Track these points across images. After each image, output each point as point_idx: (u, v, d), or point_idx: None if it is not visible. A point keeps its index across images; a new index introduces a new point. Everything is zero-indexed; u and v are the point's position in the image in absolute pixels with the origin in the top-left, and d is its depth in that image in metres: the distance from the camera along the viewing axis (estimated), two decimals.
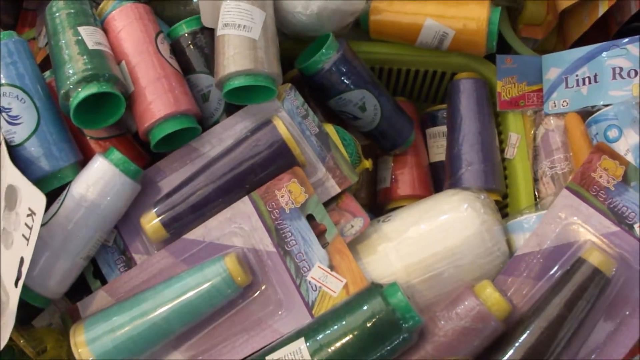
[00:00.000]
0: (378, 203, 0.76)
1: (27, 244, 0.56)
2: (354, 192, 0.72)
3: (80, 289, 0.66)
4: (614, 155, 0.62)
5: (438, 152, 0.76)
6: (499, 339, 0.59)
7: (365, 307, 0.55)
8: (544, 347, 0.58)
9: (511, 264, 0.62)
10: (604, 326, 0.60)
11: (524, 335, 0.58)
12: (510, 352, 0.57)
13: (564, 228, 0.62)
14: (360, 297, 0.56)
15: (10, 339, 0.59)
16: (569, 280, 0.59)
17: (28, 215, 0.57)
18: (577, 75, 0.71)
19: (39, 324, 0.68)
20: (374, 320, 0.55)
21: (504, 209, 0.72)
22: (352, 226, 0.61)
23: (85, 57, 0.62)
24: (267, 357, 0.57)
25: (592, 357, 0.60)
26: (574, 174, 0.63)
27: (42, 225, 0.61)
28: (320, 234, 0.61)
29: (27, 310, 0.64)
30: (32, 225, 0.57)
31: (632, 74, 0.68)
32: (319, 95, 0.70)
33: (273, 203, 0.61)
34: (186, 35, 0.67)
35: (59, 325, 0.67)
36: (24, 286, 0.59)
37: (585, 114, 0.70)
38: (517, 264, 0.62)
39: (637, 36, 0.68)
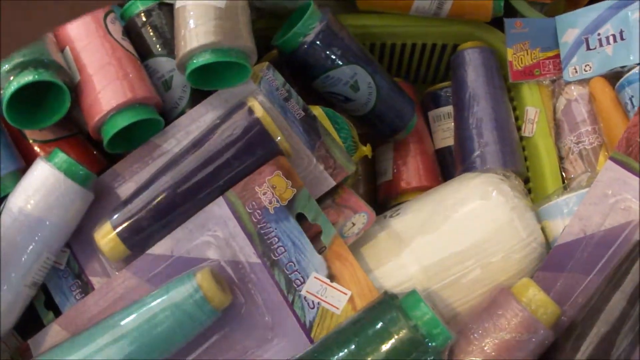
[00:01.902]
0: (380, 199, 0.59)
1: None
2: (351, 186, 0.55)
3: (34, 322, 0.49)
4: None
5: (444, 136, 0.60)
6: (548, 351, 0.42)
7: (379, 325, 0.38)
8: (607, 357, 0.41)
9: (552, 257, 0.45)
10: None
11: (581, 344, 0.41)
12: None
13: (613, 207, 0.45)
14: (371, 312, 0.39)
15: None
16: (629, 269, 0.42)
17: None
18: (599, 34, 0.55)
19: None
20: (392, 341, 0.37)
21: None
22: (354, 224, 0.44)
23: None
24: None
25: None
26: (618, 142, 0.46)
27: None
28: (314, 236, 0.44)
29: None
30: None
31: None
32: (303, 75, 0.53)
33: (253, 203, 0.44)
34: (141, 13, 0.51)
35: None
36: None
37: (613, 77, 0.54)
38: (559, 256, 0.45)
39: None
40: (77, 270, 0.48)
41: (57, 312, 0.48)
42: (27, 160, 0.49)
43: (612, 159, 0.46)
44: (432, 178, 0.57)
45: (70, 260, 0.48)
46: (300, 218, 0.44)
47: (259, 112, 0.45)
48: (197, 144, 0.46)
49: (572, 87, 0.56)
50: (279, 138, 0.45)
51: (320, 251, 0.43)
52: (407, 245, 0.44)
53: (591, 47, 0.55)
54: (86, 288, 0.48)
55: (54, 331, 0.47)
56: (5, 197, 0.46)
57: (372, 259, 0.44)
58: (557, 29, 0.57)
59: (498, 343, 0.40)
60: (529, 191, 0.55)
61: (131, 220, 0.45)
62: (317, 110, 0.49)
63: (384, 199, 0.58)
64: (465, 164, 0.54)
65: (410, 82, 0.64)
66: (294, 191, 0.44)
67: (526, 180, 0.56)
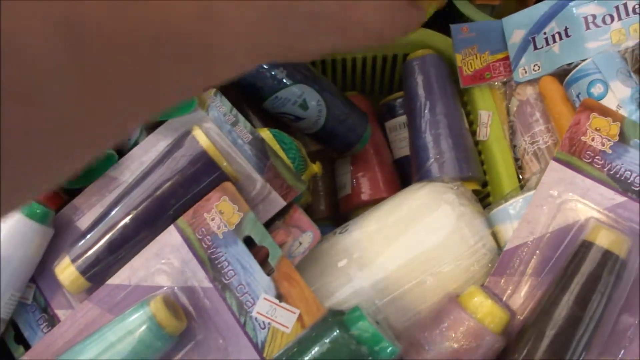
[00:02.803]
0: (341, 214, 0.59)
1: None
2: (308, 204, 0.55)
3: (5, 357, 0.50)
4: (605, 112, 0.45)
5: (401, 145, 0.59)
6: (501, 356, 0.42)
7: (322, 345, 0.38)
8: (558, 358, 0.41)
9: (502, 262, 0.45)
10: (626, 320, 0.43)
11: (531, 348, 0.41)
12: None
13: (560, 208, 0.45)
14: (315, 330, 0.39)
15: None
16: (577, 270, 0.42)
17: None
18: (545, 33, 0.54)
19: None
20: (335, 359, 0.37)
21: (485, 198, 0.55)
22: (300, 243, 0.44)
23: None
24: None
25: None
26: (561, 142, 0.46)
27: None
28: (264, 258, 0.44)
29: None
30: None
31: (608, 19, 0.52)
32: (252, 98, 0.53)
33: (203, 229, 0.44)
34: None
35: None
36: None
37: (562, 74, 0.53)
38: (508, 260, 0.45)
39: None
40: (44, 304, 0.49)
41: (27, 346, 0.49)
42: None
43: (555, 159, 0.45)
44: (392, 189, 0.57)
45: (36, 295, 0.49)
46: (250, 241, 0.44)
47: (203, 141, 0.45)
48: (146, 175, 0.46)
49: (523, 88, 0.55)
50: (224, 164, 0.45)
51: (269, 273, 0.43)
52: (356, 261, 0.44)
53: (538, 47, 0.55)
54: (52, 321, 0.48)
55: None
56: None
57: (321, 276, 0.44)
58: (504, 31, 0.56)
59: (447, 353, 0.40)
60: (488, 196, 0.55)
61: (88, 253, 0.45)
62: (264, 133, 0.49)
63: (344, 212, 0.58)
64: (420, 173, 0.54)
65: (366, 94, 0.64)
66: (240, 215, 0.44)
67: (484, 184, 0.56)
